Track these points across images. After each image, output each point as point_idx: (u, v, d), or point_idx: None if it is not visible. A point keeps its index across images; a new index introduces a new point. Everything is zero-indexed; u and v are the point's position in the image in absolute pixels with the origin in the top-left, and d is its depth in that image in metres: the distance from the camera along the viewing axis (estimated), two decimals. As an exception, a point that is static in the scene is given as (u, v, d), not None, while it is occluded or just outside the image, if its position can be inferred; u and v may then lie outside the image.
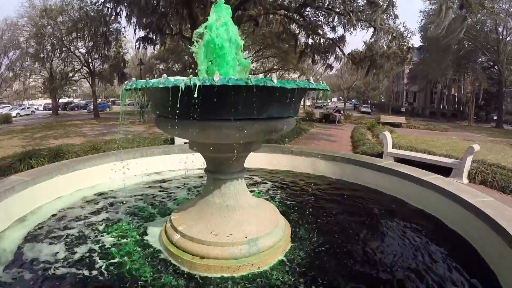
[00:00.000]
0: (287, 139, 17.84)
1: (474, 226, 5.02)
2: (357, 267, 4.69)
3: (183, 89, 3.39)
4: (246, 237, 4.61)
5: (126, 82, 4.21)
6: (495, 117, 49.48)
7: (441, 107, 56.06)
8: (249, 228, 4.79)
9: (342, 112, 43.14)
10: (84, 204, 6.68)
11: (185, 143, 10.03)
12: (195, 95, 3.37)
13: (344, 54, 22.45)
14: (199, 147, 4.90)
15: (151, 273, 4.41)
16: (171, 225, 5.10)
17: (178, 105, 3.45)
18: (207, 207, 5.08)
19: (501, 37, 44.27)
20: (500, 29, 44.32)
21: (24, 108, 52.94)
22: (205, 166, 5.29)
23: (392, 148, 13.59)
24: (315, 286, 4.17)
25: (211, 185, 5.15)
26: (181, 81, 3.42)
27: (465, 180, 10.56)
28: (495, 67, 47.57)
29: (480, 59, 50.03)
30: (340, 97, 58.45)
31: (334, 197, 7.31)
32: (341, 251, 5.06)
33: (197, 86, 3.35)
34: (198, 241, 4.64)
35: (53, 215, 6.01)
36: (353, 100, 68.34)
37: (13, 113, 44.73)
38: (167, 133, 4.85)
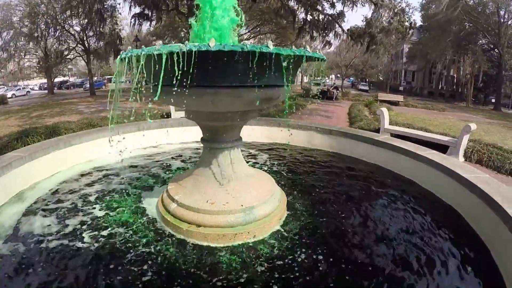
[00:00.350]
0: (284, 114, 17.67)
1: (468, 201, 5.05)
2: (352, 235, 4.77)
3: (179, 56, 3.32)
4: (242, 206, 4.62)
5: (121, 52, 4.13)
6: (493, 100, 49.49)
7: (440, 88, 55.86)
8: (245, 196, 4.79)
9: (339, 89, 42.87)
10: (81, 178, 6.67)
11: (181, 117, 9.98)
12: (191, 62, 3.30)
13: (343, 30, 22.15)
14: (195, 116, 4.85)
15: (147, 242, 4.45)
16: (167, 194, 5.10)
17: (174, 73, 3.40)
18: (203, 176, 5.07)
19: (502, 20, 43.74)
20: (501, 12, 43.74)
21: (19, 89, 52.18)
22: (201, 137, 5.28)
23: (389, 124, 13.60)
24: (310, 254, 4.23)
25: (207, 154, 5.14)
26: (176, 47, 3.34)
27: (461, 159, 10.61)
28: (495, 50, 47.22)
29: (481, 41, 49.55)
30: (338, 75, 57.97)
31: (330, 169, 7.35)
32: (336, 220, 5.13)
33: (192, 52, 3.28)
34: (194, 210, 4.66)
35: (50, 190, 5.99)
36: (351, 78, 67.89)
37: (9, 94, 44.07)
38: (164, 103, 4.79)
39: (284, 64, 3.76)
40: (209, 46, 3.27)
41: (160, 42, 3.59)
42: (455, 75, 55.20)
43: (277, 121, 10.12)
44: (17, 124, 16.80)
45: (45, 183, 6.25)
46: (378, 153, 7.52)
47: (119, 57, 4.04)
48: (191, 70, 3.40)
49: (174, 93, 3.99)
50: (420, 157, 6.48)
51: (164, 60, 3.38)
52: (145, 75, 4.28)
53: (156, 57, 3.48)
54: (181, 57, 3.32)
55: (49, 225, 4.81)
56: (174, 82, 3.55)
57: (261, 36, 42.05)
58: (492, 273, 3.91)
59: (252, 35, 38.80)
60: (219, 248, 4.36)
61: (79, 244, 4.33)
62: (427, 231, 4.80)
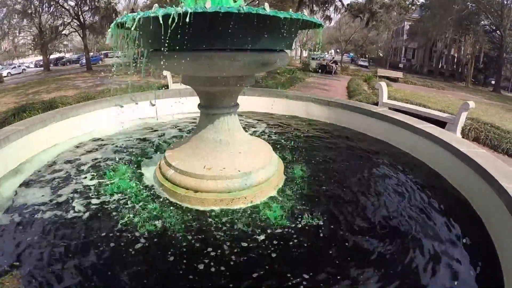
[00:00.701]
0: (283, 86, 17.60)
1: (464, 174, 5.07)
2: (346, 200, 4.82)
3: (175, 18, 3.23)
4: (239, 171, 4.64)
5: (116, 18, 4.02)
6: (493, 82, 49.19)
7: (440, 66, 55.42)
8: (242, 162, 4.81)
9: (338, 63, 42.40)
10: (78, 149, 6.63)
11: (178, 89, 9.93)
12: (187, 24, 3.23)
13: (343, 4, 21.78)
14: (192, 81, 4.79)
15: (145, 208, 4.47)
16: (165, 161, 5.11)
17: (170, 36, 3.34)
18: (201, 142, 5.06)
19: (505, 2, 42.93)
20: (505, -7, 42.83)
21: (14, 67, 51.19)
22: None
23: (388, 99, 13.52)
24: (306, 219, 4.27)
25: (204, 120, 5.12)
26: (172, 9, 3.26)
27: (459, 135, 10.60)
28: (497, 32, 46.49)
29: (483, 22, 48.76)
30: (338, 50, 57.22)
31: (327, 139, 7.38)
32: (332, 186, 5.18)
33: (188, 14, 3.20)
34: (192, 175, 4.67)
35: (48, 162, 5.96)
36: (350, 54, 67.02)
37: (4, 73, 43.31)
38: (161, 68, 4.71)
39: (282, 27, 3.70)
40: (205, 7, 3.21)
41: (156, 5, 3.51)
42: (456, 55, 54.69)
43: (275, 92, 10.06)
44: (13, 101, 16.64)
45: (43, 155, 6.20)
46: (376, 125, 7.51)
47: (114, 22, 3.95)
48: (187, 33, 3.35)
49: (170, 57, 3.93)
50: (417, 130, 6.47)
51: (160, 23, 3.31)
52: (141, 42, 4.21)
53: (152, 21, 3.40)
54: (177, 19, 3.23)
55: (43, 195, 4.79)
56: (170, 45, 3.49)
57: (260, 8, 41.15)
58: (485, 243, 3.97)
59: (250, 8, 37.96)
60: (216, 212, 4.40)
61: (73, 214, 4.34)
62: (421, 201, 4.83)
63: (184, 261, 3.53)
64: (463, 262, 3.62)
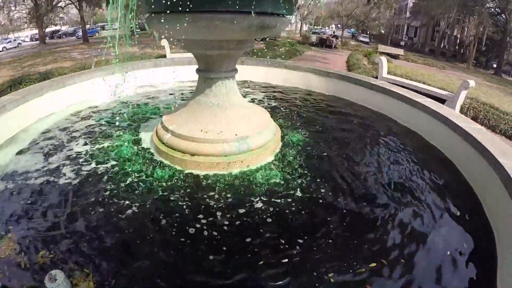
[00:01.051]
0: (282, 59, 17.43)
1: (460, 148, 5.07)
2: (342, 167, 4.85)
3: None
4: (236, 135, 4.63)
5: None
6: (494, 65, 48.77)
7: (442, 46, 54.70)
8: (240, 126, 4.80)
9: (339, 38, 41.78)
10: (76, 118, 6.57)
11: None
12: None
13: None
14: (191, 45, 4.72)
15: (141, 172, 4.49)
16: (162, 126, 5.08)
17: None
18: (198, 107, 5.03)
19: (513, -15, 42.01)
20: (512, -25, 41.83)
21: (10, 41, 50.06)
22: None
23: (387, 74, 13.37)
24: (302, 183, 4.32)
25: (202, 85, 5.06)
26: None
27: (457, 113, 10.58)
28: (502, 15, 45.74)
29: (488, 4, 47.86)
30: (339, 25, 56.12)
31: (325, 110, 7.35)
32: (328, 154, 5.20)
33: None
34: (189, 139, 4.66)
35: (45, 131, 5.90)
36: (351, 29, 65.81)
37: None
38: (160, 31, 4.61)
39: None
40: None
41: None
42: (459, 36, 53.96)
43: (274, 62, 9.94)
44: (9, 74, 16.35)
45: (40, 124, 6.14)
46: (375, 97, 7.48)
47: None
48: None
49: (171, 20, 3.85)
50: (416, 103, 6.44)
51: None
52: (142, 3, 4.10)
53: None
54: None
55: (37, 163, 4.77)
56: (171, 6, 3.42)
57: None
58: (479, 215, 4.01)
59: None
60: (212, 176, 4.42)
61: (69, 178, 4.36)
62: (417, 173, 4.84)
63: (176, 224, 3.56)
64: (457, 233, 3.67)
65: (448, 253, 3.35)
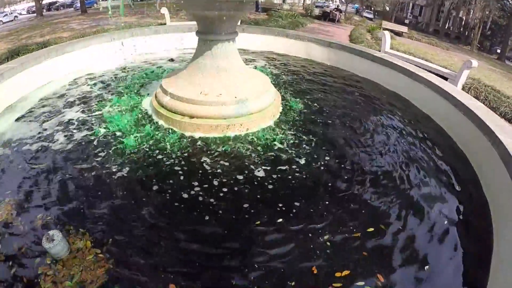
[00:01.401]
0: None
1: (460, 123, 5.05)
2: (341, 133, 4.88)
3: None
4: (235, 97, 4.61)
5: None
6: (498, 50, 48.24)
7: (446, 27, 54.02)
8: (239, 90, 4.77)
9: (343, 12, 41.00)
10: (75, 85, 6.47)
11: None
12: None
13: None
14: (191, 5, 4.64)
15: (140, 134, 4.49)
16: (161, 89, 5.05)
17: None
18: (198, 69, 4.99)
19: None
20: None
21: (6, 15, 48.86)
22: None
23: (390, 49, 13.16)
24: (301, 147, 4.35)
25: (202, 47, 5.00)
26: None
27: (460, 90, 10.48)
28: (509, 0, 44.95)
29: (495, -14, 46.88)
30: (343, 0, 55.10)
31: (326, 79, 7.30)
32: (328, 120, 5.21)
33: None
34: (188, 101, 4.64)
35: (43, 99, 5.81)
36: (356, 5, 64.66)
37: None
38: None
39: None
40: None
41: None
42: (464, 17, 53.16)
43: (275, 30, 9.79)
44: (6, 47, 15.95)
45: (38, 92, 6.05)
46: (376, 69, 7.41)
47: None
48: None
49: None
50: (418, 77, 6.38)
51: None
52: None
53: None
54: None
55: (37, 130, 4.75)
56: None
57: None
58: (474, 186, 4.04)
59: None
60: (211, 138, 4.43)
61: (61, 145, 4.35)
62: (415, 145, 4.83)
63: (174, 186, 3.59)
64: (453, 204, 3.71)
65: (445, 222, 3.40)
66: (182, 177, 3.72)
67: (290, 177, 3.82)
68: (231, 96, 4.60)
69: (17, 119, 5.07)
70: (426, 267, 2.89)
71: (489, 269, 2.96)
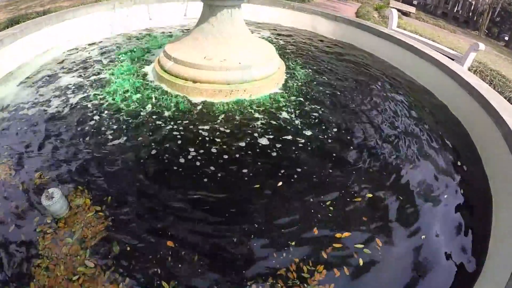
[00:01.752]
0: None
1: (463, 100, 5.01)
2: (344, 102, 4.88)
3: None
4: (240, 63, 4.56)
5: None
6: (506, 38, 47.64)
7: (455, 11, 53.19)
8: (244, 56, 4.72)
9: (350, -11, 40.14)
10: (75, 52, 6.32)
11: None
12: None
13: None
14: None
15: (142, 100, 4.46)
16: (164, 54, 4.98)
17: None
18: (202, 35, 4.92)
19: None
20: None
21: None
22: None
23: (397, 27, 12.96)
24: (304, 114, 4.35)
25: (207, 12, 4.91)
26: None
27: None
28: (521, -13, 44.02)
29: (506, -29, 45.82)
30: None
31: (331, 53, 7.19)
32: (331, 90, 5.18)
33: None
34: (191, 65, 4.59)
35: (44, 65, 5.69)
36: (363, -18, 63.26)
37: None
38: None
39: None
40: None
41: None
42: (473, 2, 52.27)
43: (281, 2, 9.60)
44: (5, 17, 15.65)
45: (38, 59, 5.89)
46: (381, 45, 7.30)
47: None
48: None
49: None
50: (424, 55, 6.29)
51: None
52: None
53: None
54: None
55: (37, 95, 4.68)
56: None
57: None
58: (475, 159, 4.08)
59: None
60: (214, 103, 4.41)
61: (62, 109, 4.32)
62: (419, 120, 4.79)
63: (175, 149, 3.60)
64: (454, 178, 3.71)
65: (445, 196, 3.42)
66: (180, 142, 3.72)
67: (292, 144, 3.82)
68: (235, 61, 4.56)
69: (17, 85, 5.00)
70: (423, 236, 2.93)
71: (488, 241, 2.99)
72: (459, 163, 3.95)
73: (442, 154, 4.09)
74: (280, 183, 3.26)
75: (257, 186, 3.21)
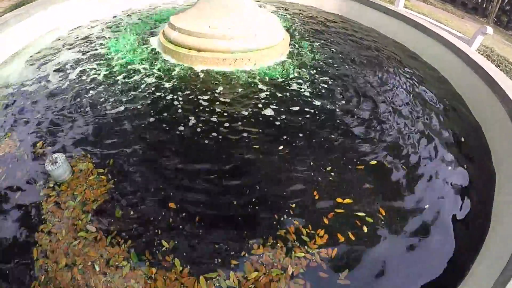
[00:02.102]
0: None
1: (468, 78, 4.96)
2: (344, 72, 4.86)
3: None
4: (244, 32, 4.55)
5: None
6: (515, 27, 47.02)
7: (464, -2, 52.53)
8: (248, 25, 4.70)
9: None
10: (79, 29, 6.23)
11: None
12: None
13: None
14: None
15: (147, 69, 4.46)
16: (169, 25, 4.96)
17: None
18: (207, 5, 4.87)
19: None
20: None
21: None
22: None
23: (404, 7, 12.80)
24: (307, 83, 4.34)
25: (212, -17, 4.85)
26: None
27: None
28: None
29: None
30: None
31: (335, 27, 7.10)
32: (334, 62, 5.16)
33: None
34: (196, 34, 4.57)
35: (50, 43, 5.61)
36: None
37: None
38: None
39: None
40: None
41: None
42: (483, -11, 51.40)
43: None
44: (9, 4, 15.53)
45: (44, 38, 5.80)
46: (387, 21, 7.17)
47: None
48: None
49: None
50: (429, 31, 6.19)
51: None
52: None
53: None
54: None
55: (43, 74, 4.61)
56: None
57: None
58: (477, 133, 4.06)
59: None
60: (218, 71, 4.40)
61: (56, 85, 4.29)
62: (423, 95, 4.74)
63: (175, 117, 3.60)
64: (456, 152, 3.69)
65: (449, 168, 3.41)
66: (180, 110, 3.72)
67: (293, 109, 3.84)
68: (240, 31, 4.53)
69: (25, 63, 4.95)
70: (426, 206, 2.93)
71: (490, 215, 2.98)
72: (462, 139, 3.93)
73: (446, 127, 4.07)
74: (280, 147, 3.29)
75: (257, 147, 3.23)
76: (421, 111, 4.32)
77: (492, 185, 3.26)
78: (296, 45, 5.47)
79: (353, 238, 2.57)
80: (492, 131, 4.04)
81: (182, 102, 3.81)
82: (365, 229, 2.64)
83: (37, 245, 2.42)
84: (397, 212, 2.85)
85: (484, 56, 10.91)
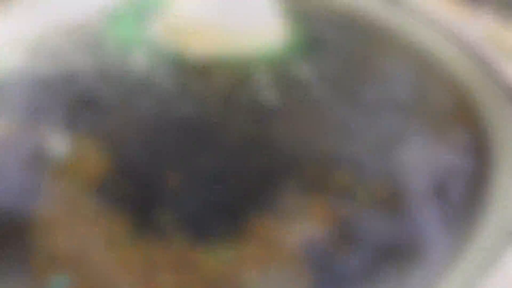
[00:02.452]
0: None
1: (466, 65, 4.95)
2: (345, 51, 4.77)
3: None
4: (240, 8, 4.48)
5: None
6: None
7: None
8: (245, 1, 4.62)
9: None
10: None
11: None
12: None
13: None
14: None
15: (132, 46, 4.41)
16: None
17: None
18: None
19: None
20: None
21: None
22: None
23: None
24: (309, 59, 4.29)
25: None
26: None
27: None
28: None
29: None
30: None
31: (334, 6, 7.08)
32: (336, 38, 5.07)
33: None
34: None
35: (49, 30, 5.53)
36: None
37: None
38: None
39: None
40: None
41: None
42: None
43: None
44: None
45: (44, 24, 5.77)
46: (388, 9, 7.11)
47: None
48: None
49: None
50: (433, 22, 6.16)
51: None
52: None
53: None
54: None
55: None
56: None
57: None
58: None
59: None
60: (211, 50, 4.37)
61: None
62: (423, 80, 4.76)
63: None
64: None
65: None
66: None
67: (294, 85, 3.80)
68: (235, 6, 4.48)
69: (23, 50, 4.93)
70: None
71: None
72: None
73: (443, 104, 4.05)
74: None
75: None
76: (421, 94, 4.28)
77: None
78: (295, 23, 5.41)
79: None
80: (488, 110, 4.04)
81: (169, 84, 3.79)
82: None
83: (36, 224, 2.43)
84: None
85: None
